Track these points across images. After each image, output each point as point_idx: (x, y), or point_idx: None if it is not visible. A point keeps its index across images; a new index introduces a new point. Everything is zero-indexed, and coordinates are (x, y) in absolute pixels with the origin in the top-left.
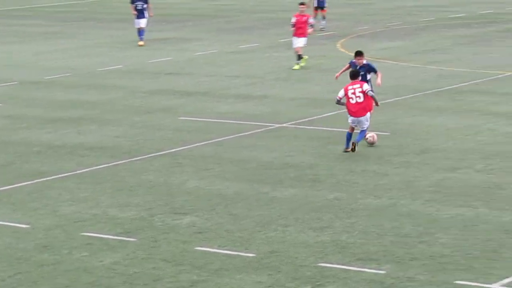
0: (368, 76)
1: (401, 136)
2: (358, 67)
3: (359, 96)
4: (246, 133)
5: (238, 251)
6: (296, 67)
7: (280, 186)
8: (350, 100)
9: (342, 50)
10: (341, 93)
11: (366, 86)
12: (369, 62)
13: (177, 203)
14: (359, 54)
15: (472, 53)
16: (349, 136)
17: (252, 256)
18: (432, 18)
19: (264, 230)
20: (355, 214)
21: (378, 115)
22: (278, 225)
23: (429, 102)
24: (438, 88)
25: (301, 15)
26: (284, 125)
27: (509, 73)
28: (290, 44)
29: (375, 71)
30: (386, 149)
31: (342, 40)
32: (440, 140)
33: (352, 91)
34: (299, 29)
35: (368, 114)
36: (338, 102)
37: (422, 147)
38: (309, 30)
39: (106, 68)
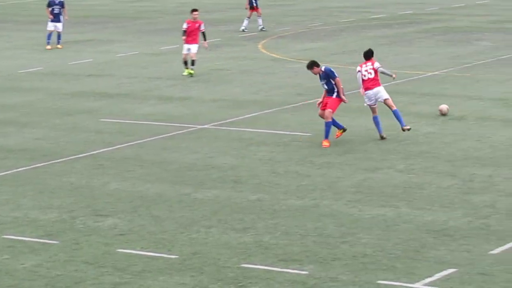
0: (333, 82)
1: (323, 137)
2: (320, 78)
3: (370, 73)
4: (168, 135)
5: (161, 253)
6: (186, 73)
7: (202, 188)
8: (363, 77)
9: (264, 51)
10: (358, 68)
11: (377, 64)
12: (325, 68)
13: (98, 205)
14: (310, 66)
15: (393, 53)
16: (377, 119)
17: (175, 258)
18: (353, 19)
19: (187, 231)
20: (277, 215)
21: (301, 116)
22: (200, 226)
23: (350, 103)
24: (359, 89)
25: (194, 21)
26: (206, 126)
27: (429, 74)
28: (212, 45)
29: (334, 77)
30: (308, 149)
31: (264, 41)
32: (361, 140)
33: (365, 68)
34: (191, 35)
35: (382, 87)
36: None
37: (344, 148)
38: (205, 44)
39: (26, 70)
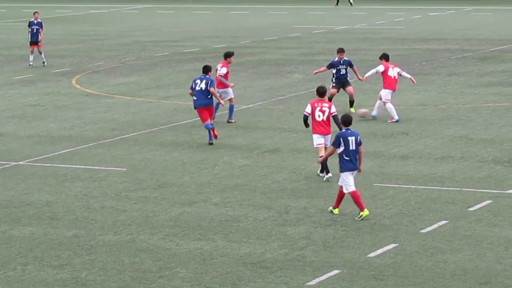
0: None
1: (138, 171)
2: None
3: (221, 75)
4: None
5: None
6: None
7: (18, 225)
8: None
9: (77, 86)
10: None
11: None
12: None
13: None
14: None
15: None
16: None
17: None
18: (167, 53)
19: (3, 269)
20: (94, 251)
21: (115, 151)
22: (17, 264)
23: (165, 137)
24: (173, 123)
25: None
26: (21, 163)
27: (244, 106)
28: (26, 81)
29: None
30: (123, 184)
31: (77, 77)
32: (177, 174)
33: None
34: None
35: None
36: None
37: (160, 182)
38: None
39: None
